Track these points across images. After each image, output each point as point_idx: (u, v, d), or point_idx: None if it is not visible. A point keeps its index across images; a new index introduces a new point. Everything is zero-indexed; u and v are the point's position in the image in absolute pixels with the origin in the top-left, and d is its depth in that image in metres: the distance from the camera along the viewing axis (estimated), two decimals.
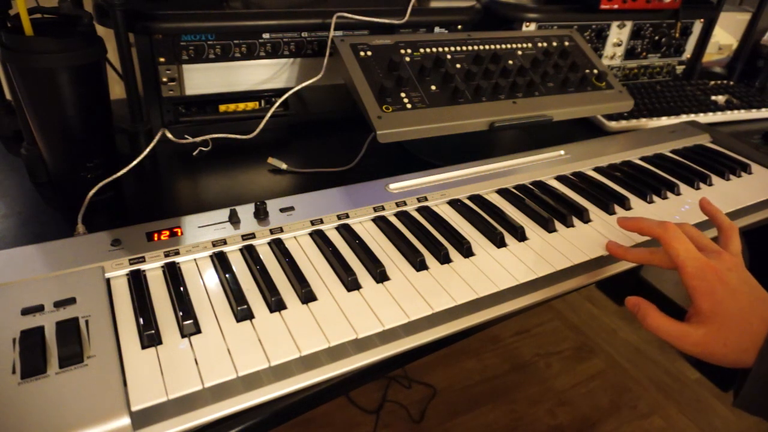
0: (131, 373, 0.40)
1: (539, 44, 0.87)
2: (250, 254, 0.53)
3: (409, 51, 0.78)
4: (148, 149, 0.67)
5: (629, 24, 1.08)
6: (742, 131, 1.02)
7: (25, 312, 0.43)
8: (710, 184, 0.77)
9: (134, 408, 0.38)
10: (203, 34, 0.75)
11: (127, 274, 0.49)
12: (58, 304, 0.44)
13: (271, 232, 0.56)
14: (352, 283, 0.51)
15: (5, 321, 0.42)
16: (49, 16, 0.61)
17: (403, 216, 0.62)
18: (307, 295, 0.49)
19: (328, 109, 0.93)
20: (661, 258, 0.54)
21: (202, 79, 0.78)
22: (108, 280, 0.48)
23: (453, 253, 0.57)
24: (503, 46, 0.84)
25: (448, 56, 0.79)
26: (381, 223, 0.60)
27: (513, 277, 0.54)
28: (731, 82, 1.23)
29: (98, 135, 0.63)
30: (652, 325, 0.51)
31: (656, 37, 1.13)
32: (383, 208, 0.62)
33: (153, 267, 0.51)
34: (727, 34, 1.31)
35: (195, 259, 0.53)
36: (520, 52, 0.84)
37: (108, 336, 0.42)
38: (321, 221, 0.59)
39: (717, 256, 0.52)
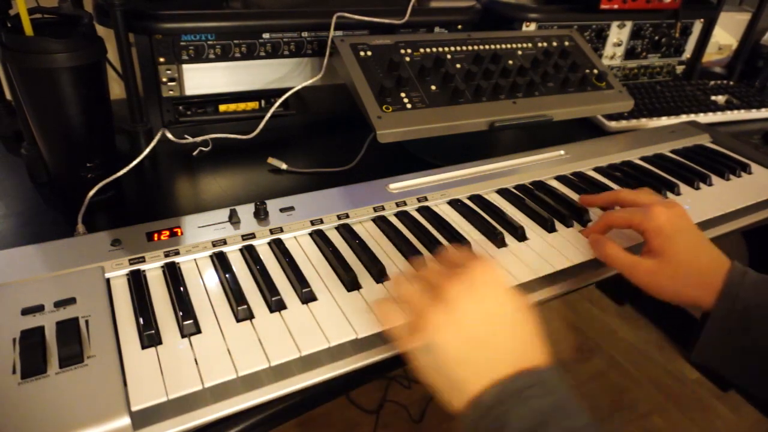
0: (131, 373, 0.40)
1: (539, 44, 0.87)
2: (250, 254, 0.53)
3: (409, 51, 0.78)
4: (148, 149, 0.67)
5: (629, 24, 1.08)
6: (742, 131, 1.02)
7: (26, 312, 0.43)
8: (710, 184, 0.77)
9: (134, 408, 0.38)
10: (203, 34, 0.75)
11: (127, 274, 0.49)
12: (59, 304, 0.44)
13: (271, 232, 0.56)
14: (352, 283, 0.51)
15: (5, 321, 0.42)
16: (49, 16, 0.61)
17: (403, 216, 0.62)
18: (307, 295, 0.49)
19: (328, 109, 0.93)
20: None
21: (202, 79, 0.78)
22: (108, 280, 0.48)
23: None
24: (503, 46, 0.84)
25: (448, 56, 0.79)
26: (381, 223, 0.60)
27: (513, 277, 0.54)
28: (731, 82, 1.23)
29: (98, 135, 0.63)
30: (608, 254, 0.55)
31: (656, 37, 1.13)
32: (383, 208, 0.62)
33: (153, 267, 0.51)
34: (727, 34, 1.31)
35: (195, 259, 0.53)
36: (520, 52, 0.84)
37: (108, 336, 0.42)
38: (321, 221, 0.59)
39: (667, 202, 0.56)
